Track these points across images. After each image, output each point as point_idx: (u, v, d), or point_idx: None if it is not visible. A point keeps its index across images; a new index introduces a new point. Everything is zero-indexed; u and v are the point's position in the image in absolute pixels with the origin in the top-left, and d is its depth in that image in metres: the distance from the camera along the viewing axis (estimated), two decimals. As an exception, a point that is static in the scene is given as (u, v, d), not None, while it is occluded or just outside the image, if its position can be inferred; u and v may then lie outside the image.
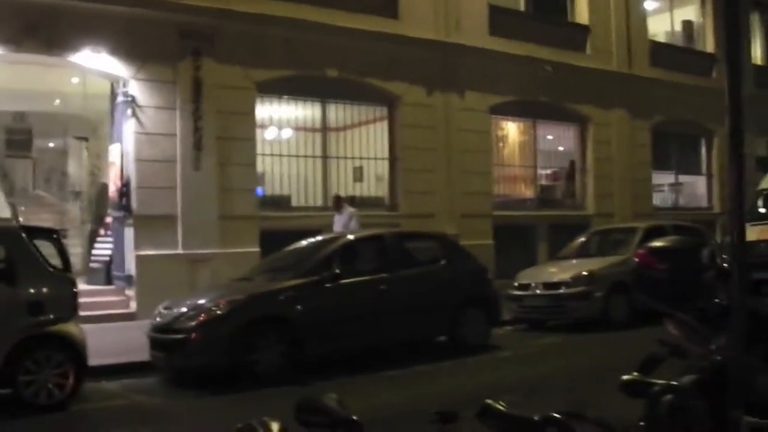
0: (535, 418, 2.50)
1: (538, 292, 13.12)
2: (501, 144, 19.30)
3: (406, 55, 16.64)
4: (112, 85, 14.66)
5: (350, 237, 10.84)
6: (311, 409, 3.54)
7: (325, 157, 16.40)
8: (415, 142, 16.96)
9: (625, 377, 2.83)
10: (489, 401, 3.68)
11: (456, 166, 17.41)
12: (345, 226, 13.76)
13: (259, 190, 15.37)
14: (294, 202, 15.87)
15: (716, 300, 3.13)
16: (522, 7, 19.65)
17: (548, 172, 20.37)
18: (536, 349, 11.56)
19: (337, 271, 9.97)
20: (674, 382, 2.73)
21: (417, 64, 16.89)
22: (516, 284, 13.47)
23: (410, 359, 10.28)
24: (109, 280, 14.82)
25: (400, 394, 8.51)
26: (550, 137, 20.51)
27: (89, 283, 14.72)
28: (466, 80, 17.60)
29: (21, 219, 16.92)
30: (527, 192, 19.63)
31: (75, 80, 15.23)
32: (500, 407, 3.62)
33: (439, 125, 17.37)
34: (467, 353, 10.65)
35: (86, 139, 18.30)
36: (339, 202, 14.36)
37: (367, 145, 16.99)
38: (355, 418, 3.35)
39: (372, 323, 10.12)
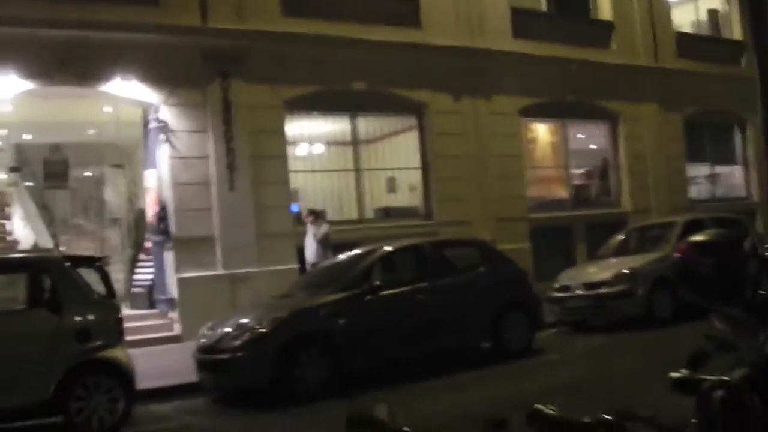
0: (586, 420, 2.49)
1: (579, 293, 13.02)
2: (532, 146, 19.22)
3: (431, 63, 16.66)
4: (143, 112, 14.88)
5: (388, 248, 10.86)
6: (362, 420, 3.57)
7: (357, 170, 16.47)
8: (446, 149, 16.96)
9: (673, 374, 2.81)
10: (538, 405, 3.68)
11: (488, 171, 17.36)
12: (316, 239, 13.75)
13: (294, 207, 15.47)
14: (329, 217, 15.91)
15: (761, 291, 3.11)
16: (544, 7, 19.57)
17: (581, 171, 20.22)
18: (581, 350, 11.48)
19: (377, 283, 10.01)
20: (725, 378, 2.72)
21: (443, 71, 16.90)
22: (556, 286, 13.39)
23: (455, 367, 10.26)
24: (151, 304, 15.01)
25: (447, 403, 8.51)
26: (581, 136, 20.39)
27: (132, 307, 14.91)
28: (493, 84, 17.57)
29: (63, 248, 17.23)
30: (561, 193, 19.51)
31: (107, 109, 15.47)
32: (549, 411, 3.62)
33: (468, 131, 17.35)
34: (511, 358, 10.61)
35: (122, 167, 18.55)
36: (315, 216, 14.19)
37: (398, 155, 17.03)
38: (407, 429, 3.38)
39: (414, 333, 10.13)
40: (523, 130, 18.63)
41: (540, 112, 18.76)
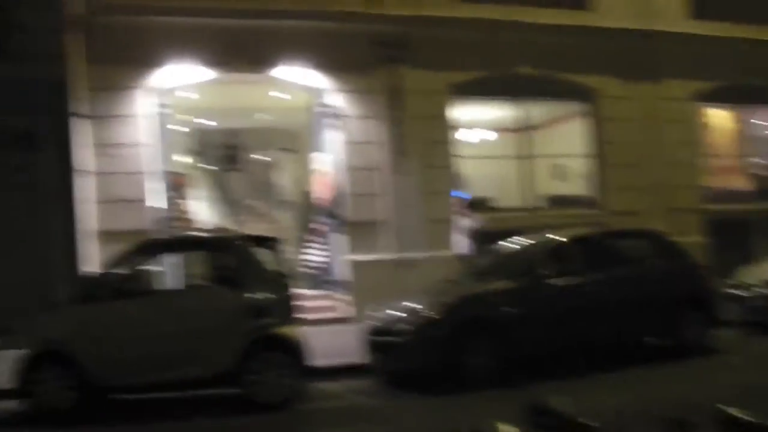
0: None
1: (761, 291, 12.23)
2: (707, 133, 18.19)
3: (601, 46, 16.08)
4: (313, 98, 15.27)
5: (557, 238, 10.63)
6: (542, 411, 3.48)
7: (524, 156, 16.21)
8: (617, 136, 16.39)
9: None
10: (721, 406, 3.46)
11: (660, 159, 16.62)
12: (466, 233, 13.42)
13: (460, 193, 15.41)
14: (496, 204, 15.81)
15: None
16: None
17: (764, 161, 18.96)
18: (761, 352, 10.80)
19: (546, 272, 9.81)
20: None
21: (613, 55, 16.30)
22: (735, 283, 12.65)
23: (623, 362, 9.93)
24: (319, 285, 15.43)
25: (619, 398, 8.19)
26: (764, 122, 19.09)
27: (302, 288, 15.37)
28: (667, 68, 16.76)
29: (237, 228, 18.02)
30: (740, 183, 18.36)
31: (280, 95, 15.97)
32: (734, 413, 3.39)
33: (639, 117, 16.67)
34: (685, 356, 10.15)
35: (292, 151, 19.15)
36: (467, 208, 13.87)
37: (566, 142, 16.63)
38: (595, 424, 3.26)
39: (583, 324, 9.87)
40: (697, 116, 17.67)
41: (717, 97, 17.70)
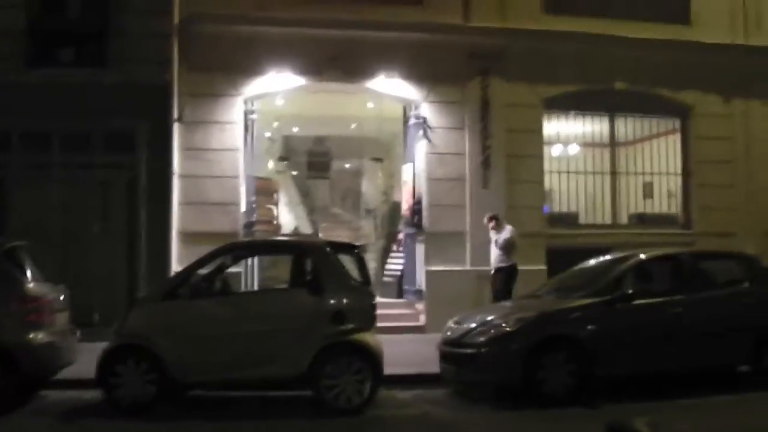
0: None
1: None
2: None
3: (699, 62, 15.70)
4: (404, 108, 15.41)
5: (643, 256, 10.38)
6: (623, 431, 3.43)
7: (613, 173, 15.93)
8: (711, 154, 15.93)
9: None
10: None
11: (758, 180, 16.06)
12: (498, 246, 13.10)
13: (545, 207, 15.30)
14: (582, 220, 15.58)
15: None
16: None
17: None
18: None
19: (630, 291, 9.59)
20: None
21: (712, 72, 15.87)
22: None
23: (707, 388, 9.60)
24: (400, 294, 15.51)
25: (700, 425, 7.97)
26: None
27: (382, 296, 15.49)
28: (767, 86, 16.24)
29: (321, 234, 18.30)
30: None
31: (370, 105, 16.19)
32: None
33: (737, 136, 16.17)
34: (773, 386, 9.76)
35: (380, 160, 19.34)
36: (496, 222, 13.36)
37: (658, 159, 16.25)
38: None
39: (666, 347, 9.57)
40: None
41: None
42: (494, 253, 13.20)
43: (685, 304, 9.80)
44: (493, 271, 13.18)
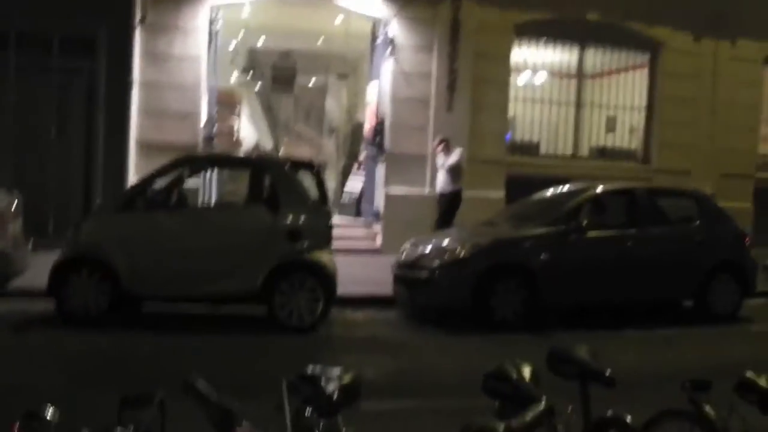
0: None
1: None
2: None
3: (673, -1, 15.64)
4: (373, 25, 15.12)
5: (599, 189, 10.48)
6: (564, 358, 3.52)
7: (578, 104, 15.91)
8: (677, 92, 15.96)
9: None
10: (749, 375, 3.45)
11: (719, 121, 16.20)
12: (444, 168, 12.99)
13: (508, 135, 15.29)
14: (543, 150, 15.61)
15: None
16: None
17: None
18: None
19: (584, 222, 9.72)
20: None
21: (685, 9, 15.74)
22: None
23: (651, 322, 9.89)
24: (358, 214, 15.53)
25: (644, 357, 8.23)
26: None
27: (340, 215, 15.51)
28: (740, 26, 16.19)
29: (282, 150, 18.17)
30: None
31: (338, 20, 15.86)
32: (762, 383, 3.38)
33: (704, 75, 16.20)
34: (714, 322, 10.04)
35: (346, 78, 19.08)
36: (445, 144, 13.21)
37: (623, 93, 16.24)
38: (608, 372, 3.28)
39: (615, 279, 9.80)
40: (765, 79, 17.13)
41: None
42: (440, 177, 13.12)
43: (636, 238, 10.01)
44: (438, 196, 13.13)
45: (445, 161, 12.96)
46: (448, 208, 12.80)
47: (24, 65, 12.63)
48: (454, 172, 12.90)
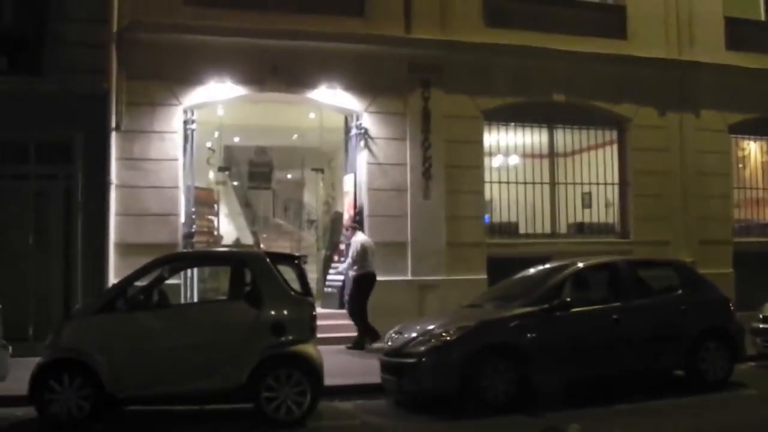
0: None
1: (786, 325, 12.01)
2: (741, 165, 18.01)
3: (636, 75, 16.11)
4: (346, 119, 15.40)
5: (581, 265, 10.54)
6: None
7: (553, 183, 16.17)
8: (647, 165, 16.30)
9: None
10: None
11: (692, 190, 16.52)
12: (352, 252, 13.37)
13: (486, 217, 15.45)
14: (522, 229, 15.74)
15: None
16: (762, 16, 18.31)
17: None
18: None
19: (568, 299, 9.73)
20: None
21: (648, 85, 16.29)
22: (761, 316, 12.42)
23: (643, 394, 9.79)
24: (342, 305, 15.43)
25: (636, 429, 8.14)
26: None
27: (323, 306, 15.42)
28: (702, 99, 16.71)
29: (262, 245, 18.17)
30: (769, 216, 18.12)
31: (312, 115, 16.15)
32: None
33: (672, 147, 16.59)
34: (706, 390, 9.97)
35: (322, 171, 19.28)
36: (352, 230, 13.88)
37: (596, 170, 16.53)
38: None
39: (605, 353, 9.77)
40: (732, 147, 17.53)
41: (753, 129, 17.59)
42: (348, 261, 13.51)
43: (622, 311, 10.01)
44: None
45: (355, 240, 13.33)
46: (355, 291, 13.16)
47: (1, 173, 12.69)
48: (359, 256, 13.18)
